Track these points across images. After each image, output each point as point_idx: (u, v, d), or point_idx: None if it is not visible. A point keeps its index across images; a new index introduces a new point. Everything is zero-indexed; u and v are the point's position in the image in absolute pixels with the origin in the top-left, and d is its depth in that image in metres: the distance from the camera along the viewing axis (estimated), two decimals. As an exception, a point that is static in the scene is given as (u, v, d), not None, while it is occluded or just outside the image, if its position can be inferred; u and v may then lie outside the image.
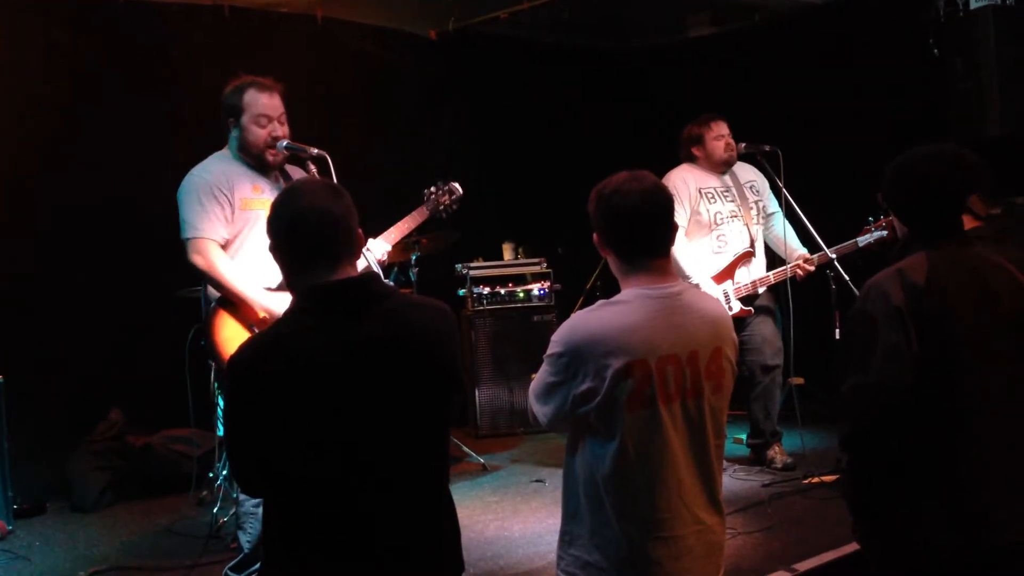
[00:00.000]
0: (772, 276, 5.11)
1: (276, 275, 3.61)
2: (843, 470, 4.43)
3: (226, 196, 3.59)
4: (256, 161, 3.71)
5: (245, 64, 6.02)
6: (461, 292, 6.60)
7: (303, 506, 2.10)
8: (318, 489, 2.08)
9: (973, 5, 5.41)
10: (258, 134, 3.67)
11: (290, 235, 2.17)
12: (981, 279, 2.43)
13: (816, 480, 4.86)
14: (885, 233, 4.82)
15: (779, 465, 5.16)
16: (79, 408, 5.42)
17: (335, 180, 3.61)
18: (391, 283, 2.48)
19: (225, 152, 3.75)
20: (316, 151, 3.73)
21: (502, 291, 6.59)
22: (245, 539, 3.54)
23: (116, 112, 5.67)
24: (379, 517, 2.11)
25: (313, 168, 3.75)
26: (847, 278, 4.80)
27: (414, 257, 5.72)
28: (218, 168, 3.66)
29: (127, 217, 5.55)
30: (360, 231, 2.23)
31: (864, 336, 2.39)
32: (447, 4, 6.67)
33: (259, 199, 3.67)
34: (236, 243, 3.63)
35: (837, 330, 4.99)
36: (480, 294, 6.54)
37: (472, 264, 6.69)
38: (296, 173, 3.85)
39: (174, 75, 5.82)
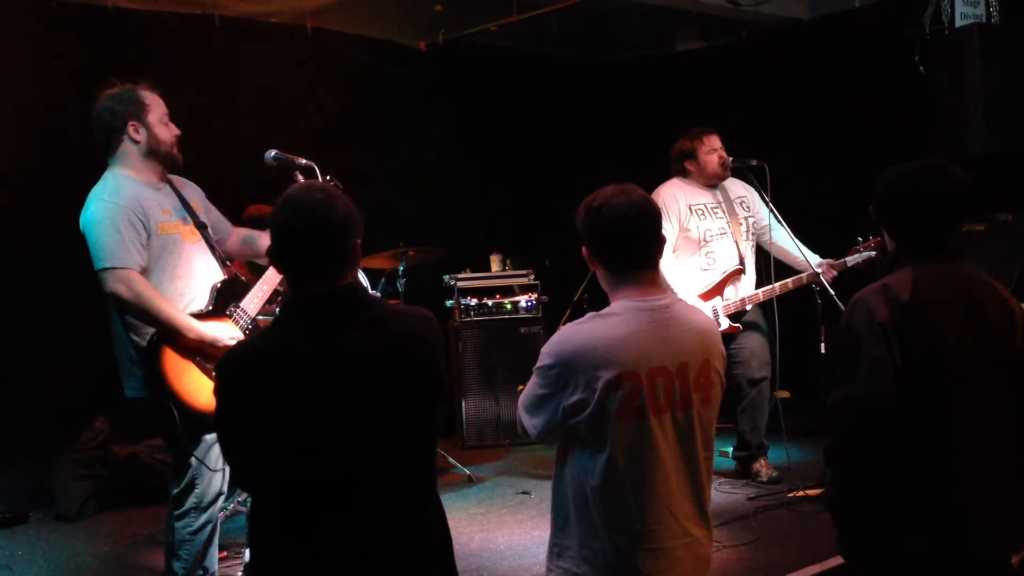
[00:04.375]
0: (761, 294, 5.11)
1: (198, 301, 3.50)
2: (828, 483, 4.46)
3: (142, 222, 3.38)
4: (166, 161, 3.52)
5: (234, 73, 6.08)
6: (448, 303, 6.61)
7: (290, 507, 2.12)
8: (304, 493, 2.10)
9: (959, 22, 5.45)
10: (166, 132, 3.51)
11: (282, 248, 2.19)
12: (966, 295, 2.45)
13: (801, 494, 4.87)
14: (874, 253, 4.84)
15: (764, 478, 5.17)
16: (63, 417, 5.39)
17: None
18: (377, 294, 2.47)
19: (122, 171, 3.48)
20: (304, 161, 3.73)
21: (489, 303, 6.59)
22: (179, 566, 3.47)
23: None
24: (364, 523, 2.12)
25: (301, 178, 3.73)
26: (833, 293, 4.82)
27: (401, 268, 5.72)
28: (128, 192, 3.41)
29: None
30: (358, 241, 2.22)
31: (849, 351, 2.41)
32: (437, 15, 6.69)
33: (171, 222, 3.51)
34: (158, 270, 3.44)
35: (823, 344, 5.01)
36: (467, 305, 6.54)
37: (459, 275, 6.70)
38: (184, 187, 3.66)
39: (163, 84, 5.78)
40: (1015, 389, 2.44)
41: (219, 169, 5.41)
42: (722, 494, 4.99)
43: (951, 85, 5.41)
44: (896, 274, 2.48)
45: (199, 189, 3.77)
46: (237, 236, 3.90)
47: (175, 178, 3.66)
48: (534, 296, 6.63)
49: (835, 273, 4.96)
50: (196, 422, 3.38)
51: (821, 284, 4.89)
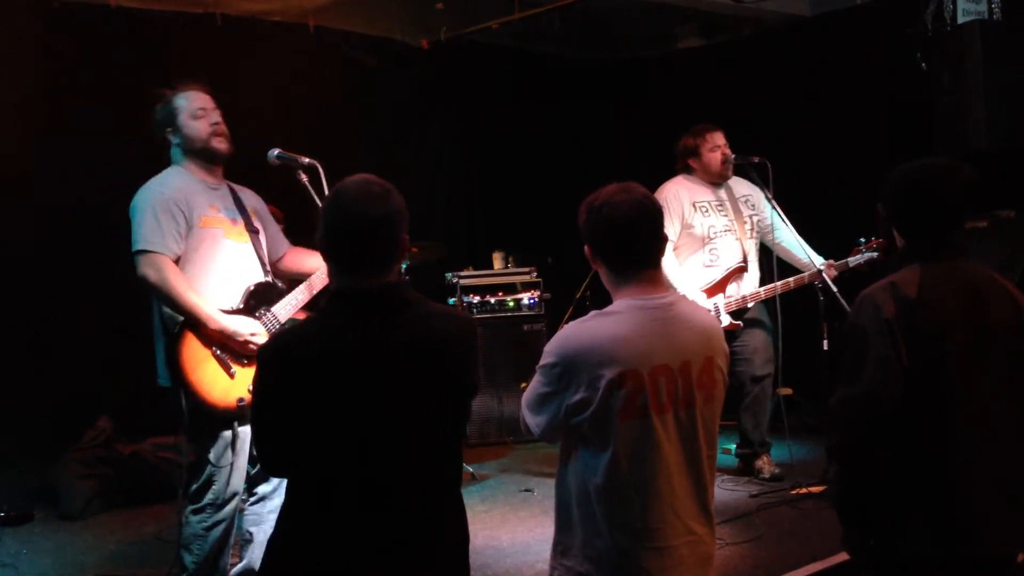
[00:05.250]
0: (763, 291, 5.11)
1: (234, 296, 3.55)
2: (832, 480, 4.48)
3: (183, 212, 3.45)
4: (205, 155, 3.59)
5: (236, 71, 6.10)
6: (451, 301, 6.61)
7: (317, 493, 2.17)
8: (331, 479, 2.16)
9: (961, 19, 5.45)
10: (198, 126, 3.56)
11: (332, 239, 2.22)
12: (973, 293, 2.45)
13: (804, 491, 4.88)
14: (876, 254, 4.84)
15: (767, 476, 5.18)
16: (67, 415, 5.40)
17: (326, 189, 3.62)
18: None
19: (177, 168, 3.62)
20: (308, 160, 3.72)
21: (492, 300, 6.59)
22: (190, 559, 3.50)
23: (108, 119, 5.67)
24: (385, 513, 2.17)
25: (304, 178, 3.74)
26: (835, 290, 4.82)
27: (404, 266, 5.72)
28: (176, 183, 3.53)
29: (116, 223, 5.51)
30: (406, 236, 2.25)
31: (855, 348, 2.41)
32: (439, 14, 6.70)
33: (216, 217, 3.56)
34: (197, 262, 3.49)
35: (825, 341, 5.01)
36: (470, 303, 6.55)
37: (462, 273, 6.70)
38: (245, 195, 3.77)
39: (166, 83, 5.80)
40: (1021, 387, 2.45)
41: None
42: (725, 491, 4.99)
43: (953, 82, 5.41)
44: (904, 271, 2.48)
45: (261, 201, 3.85)
46: (292, 256, 3.91)
47: (237, 186, 3.77)
48: (537, 294, 6.63)
49: (835, 273, 4.96)
50: (203, 414, 3.42)
51: (824, 282, 4.89)
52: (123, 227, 5.37)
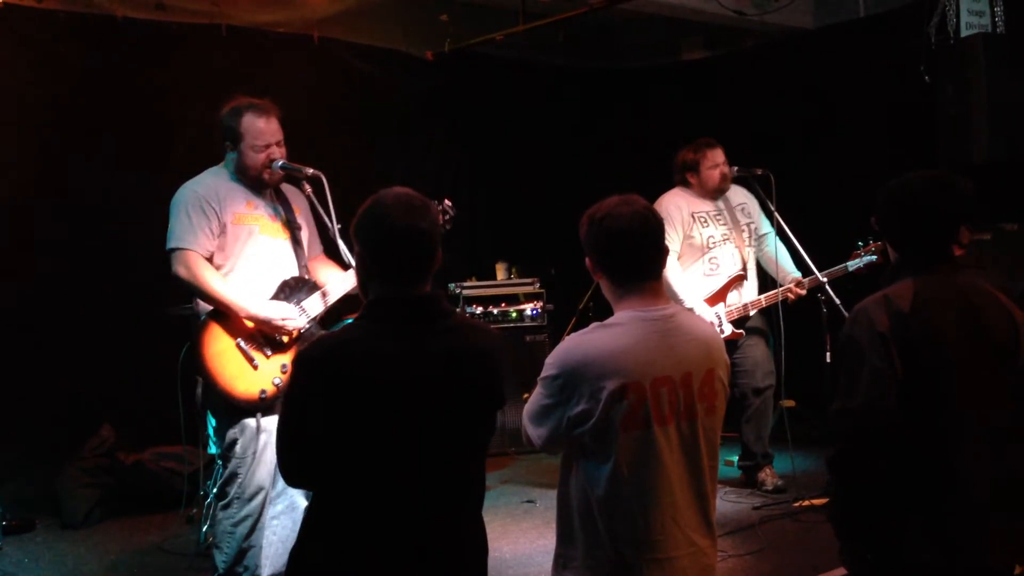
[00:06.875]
0: (764, 299, 5.13)
1: (268, 291, 3.63)
2: (831, 493, 4.47)
3: (215, 210, 3.54)
4: (253, 182, 3.70)
5: (242, 82, 6.10)
6: (454, 311, 6.61)
7: (342, 499, 2.19)
8: (358, 486, 2.18)
9: (964, 32, 5.46)
10: (256, 159, 3.65)
11: (380, 249, 2.26)
12: (967, 306, 2.45)
13: (806, 503, 4.87)
14: (875, 258, 4.85)
15: (770, 488, 5.17)
16: (69, 424, 5.40)
17: (329, 200, 3.68)
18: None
19: (221, 168, 3.73)
20: (312, 171, 3.74)
21: (495, 311, 6.60)
22: (220, 558, 3.55)
23: (113, 129, 5.69)
24: (410, 521, 2.19)
25: (308, 188, 3.77)
26: (838, 301, 4.82)
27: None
28: (211, 182, 3.63)
29: (120, 233, 5.56)
30: (440, 248, 2.30)
31: (850, 361, 2.42)
32: (443, 25, 6.72)
33: (252, 214, 3.66)
34: (230, 258, 3.59)
35: (828, 353, 5.01)
36: (473, 314, 6.54)
37: (465, 283, 6.71)
38: (291, 192, 3.87)
39: (172, 93, 5.84)
40: (1017, 399, 2.44)
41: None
42: (727, 503, 4.99)
43: (956, 94, 5.41)
44: (897, 285, 2.48)
45: (306, 202, 3.90)
46: (313, 264, 3.91)
47: (285, 184, 3.84)
48: (539, 304, 6.64)
49: (803, 292, 5.04)
50: (224, 403, 3.49)
51: (827, 293, 4.91)
52: (128, 234, 5.44)
